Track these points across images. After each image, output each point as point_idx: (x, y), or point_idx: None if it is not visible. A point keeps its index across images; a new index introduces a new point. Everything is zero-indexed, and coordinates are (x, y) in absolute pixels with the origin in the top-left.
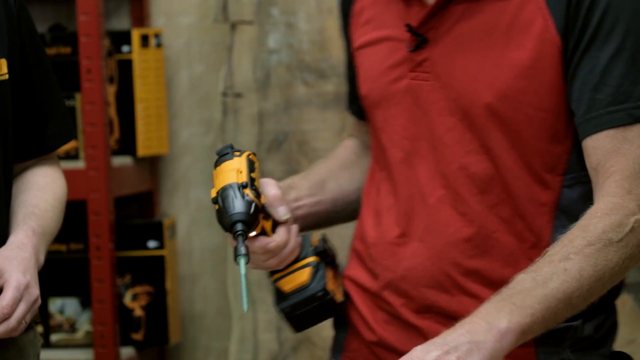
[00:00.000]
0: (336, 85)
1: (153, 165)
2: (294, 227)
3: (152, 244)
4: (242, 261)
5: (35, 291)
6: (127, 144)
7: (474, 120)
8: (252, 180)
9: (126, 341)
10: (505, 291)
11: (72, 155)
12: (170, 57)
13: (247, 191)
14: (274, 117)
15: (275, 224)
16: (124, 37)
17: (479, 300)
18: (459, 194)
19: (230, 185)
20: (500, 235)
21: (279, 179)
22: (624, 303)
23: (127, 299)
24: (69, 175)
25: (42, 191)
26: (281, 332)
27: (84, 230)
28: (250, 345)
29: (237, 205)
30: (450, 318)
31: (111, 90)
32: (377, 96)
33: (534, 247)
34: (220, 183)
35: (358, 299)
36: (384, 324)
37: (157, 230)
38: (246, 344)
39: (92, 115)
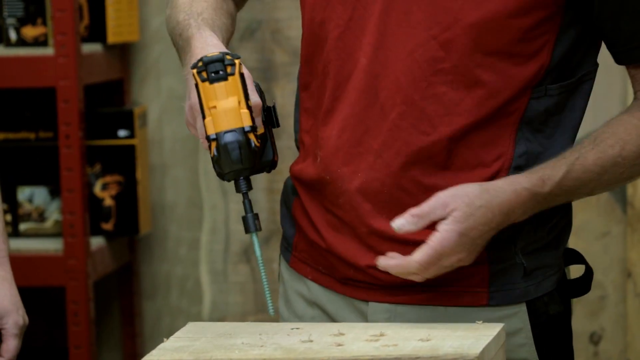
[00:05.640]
0: None
1: (124, 52)
2: None
3: (122, 132)
4: (256, 239)
5: (25, 321)
6: (96, 31)
7: (451, 40)
8: (249, 109)
9: (96, 231)
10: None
11: (41, 42)
12: None
13: (252, 137)
14: (246, 4)
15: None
16: None
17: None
18: (425, 113)
19: (234, 133)
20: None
21: (251, 68)
22: (599, 196)
23: (97, 189)
24: (37, 62)
25: None
26: None
27: (54, 118)
28: (221, 235)
29: (245, 157)
30: (402, 242)
31: None
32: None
33: (497, 159)
34: (220, 123)
35: (305, 197)
36: (333, 231)
37: (127, 119)
38: (217, 235)
39: (61, 1)
